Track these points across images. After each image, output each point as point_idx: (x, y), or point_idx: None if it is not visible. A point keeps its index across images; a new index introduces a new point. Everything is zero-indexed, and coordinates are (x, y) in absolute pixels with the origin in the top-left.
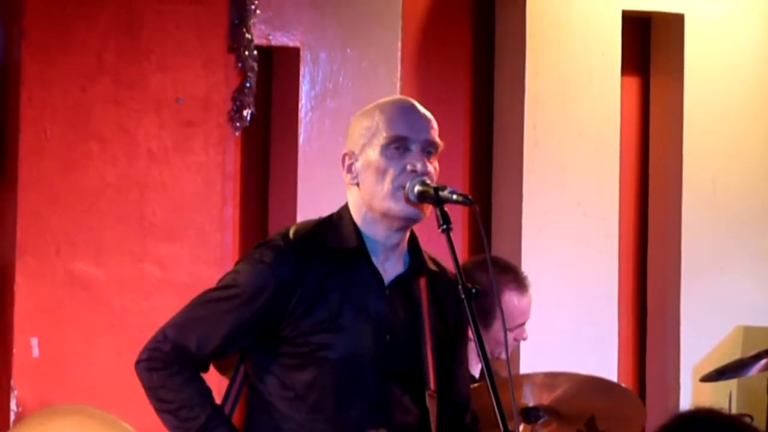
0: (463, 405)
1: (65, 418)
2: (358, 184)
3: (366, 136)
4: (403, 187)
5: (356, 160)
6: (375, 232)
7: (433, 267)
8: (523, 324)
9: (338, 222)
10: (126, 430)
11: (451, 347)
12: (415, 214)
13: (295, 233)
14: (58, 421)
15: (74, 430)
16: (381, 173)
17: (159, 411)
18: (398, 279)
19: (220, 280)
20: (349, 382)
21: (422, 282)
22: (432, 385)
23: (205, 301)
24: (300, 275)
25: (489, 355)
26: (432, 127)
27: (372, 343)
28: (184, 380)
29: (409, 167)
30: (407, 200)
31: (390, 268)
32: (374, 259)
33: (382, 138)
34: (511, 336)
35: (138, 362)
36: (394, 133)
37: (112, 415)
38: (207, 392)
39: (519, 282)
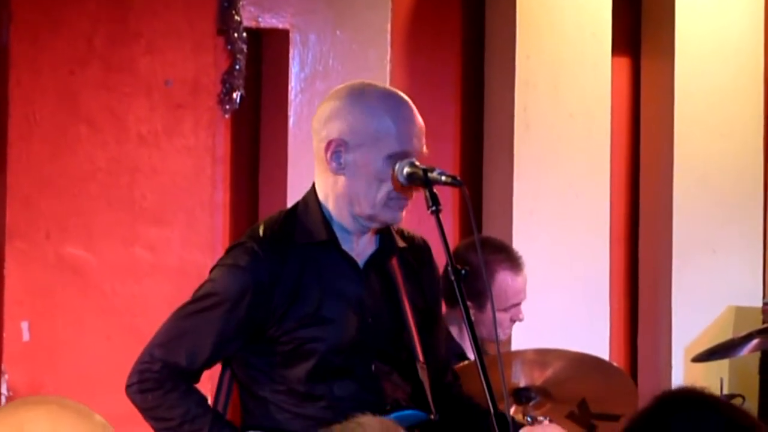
0: (442, 365)
1: (37, 408)
2: (343, 175)
3: (370, 137)
4: (396, 198)
5: (349, 152)
6: (348, 222)
7: (401, 243)
8: (518, 304)
9: (304, 213)
10: (99, 423)
11: (430, 314)
12: (397, 220)
13: (264, 231)
14: (31, 411)
15: (47, 420)
16: (378, 181)
17: (159, 430)
18: (372, 259)
19: (197, 291)
20: (338, 369)
21: (394, 262)
22: (421, 357)
23: (188, 315)
24: (277, 274)
25: (486, 337)
26: (424, 135)
27: (356, 329)
28: (180, 395)
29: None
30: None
31: (362, 250)
32: (345, 246)
33: (389, 149)
34: (507, 316)
35: (129, 386)
36: (404, 149)
37: (86, 407)
38: (204, 401)
39: (512, 261)
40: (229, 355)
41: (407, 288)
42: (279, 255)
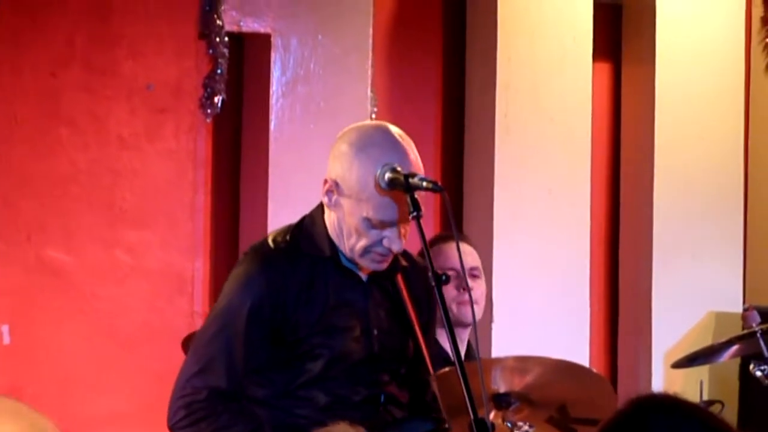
0: (425, 383)
1: None
2: (334, 212)
3: (358, 188)
4: (372, 252)
5: (339, 195)
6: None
7: (404, 262)
8: (454, 270)
9: (311, 227)
10: (39, 421)
11: (427, 333)
12: (378, 269)
13: (273, 241)
14: None
15: None
16: (357, 234)
17: None
18: (375, 275)
19: (214, 309)
20: (340, 379)
21: (399, 278)
22: (431, 370)
23: (213, 336)
24: (288, 281)
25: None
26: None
27: (361, 340)
28: (233, 414)
29: (385, 243)
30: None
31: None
32: (347, 264)
33: (369, 211)
34: (450, 286)
35: (177, 422)
36: (383, 220)
37: (26, 407)
38: (255, 414)
39: (444, 235)
40: (260, 363)
41: (413, 304)
42: (288, 263)
